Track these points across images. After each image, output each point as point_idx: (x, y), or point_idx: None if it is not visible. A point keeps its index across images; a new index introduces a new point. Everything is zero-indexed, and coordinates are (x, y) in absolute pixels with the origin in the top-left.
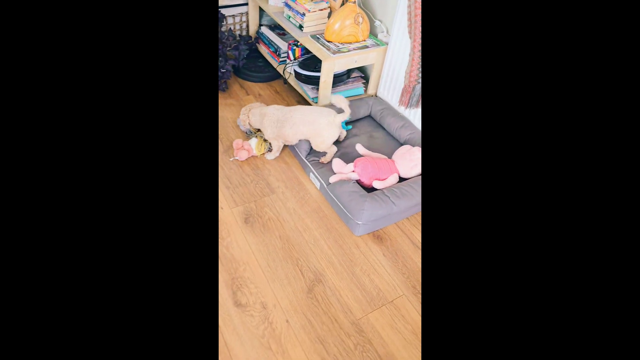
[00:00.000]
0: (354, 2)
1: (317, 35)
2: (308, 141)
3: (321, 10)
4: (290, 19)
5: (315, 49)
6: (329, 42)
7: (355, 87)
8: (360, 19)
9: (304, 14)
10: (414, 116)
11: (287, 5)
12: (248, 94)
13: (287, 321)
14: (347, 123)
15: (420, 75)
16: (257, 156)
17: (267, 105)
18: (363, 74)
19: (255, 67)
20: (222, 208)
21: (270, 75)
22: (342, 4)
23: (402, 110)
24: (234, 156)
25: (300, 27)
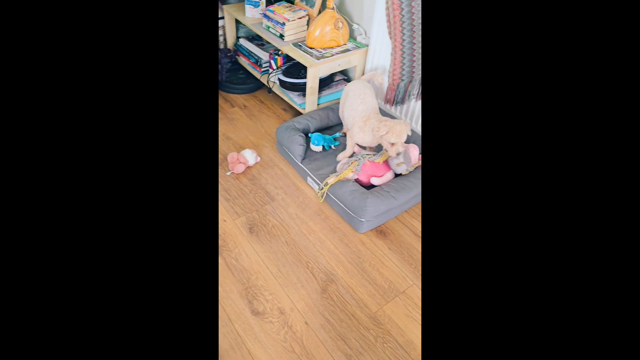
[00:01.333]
0: (333, 9)
1: (299, 43)
2: (302, 146)
3: (300, 18)
4: (270, 29)
5: (299, 56)
6: (311, 48)
7: (339, 90)
8: (340, 24)
9: (284, 24)
10: (400, 113)
11: (265, 16)
12: (233, 107)
13: (306, 323)
14: (335, 139)
15: (402, 73)
16: (252, 167)
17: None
18: (346, 76)
19: (237, 79)
20: (224, 220)
21: (253, 86)
22: (320, 12)
23: (387, 108)
24: (230, 170)
25: (281, 36)
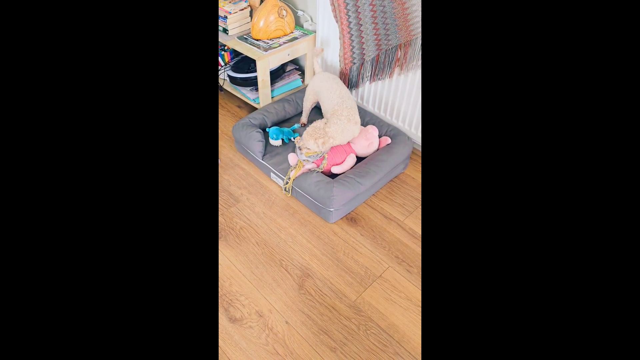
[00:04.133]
0: None
1: (244, 36)
2: (261, 142)
3: (242, 10)
4: None
5: (246, 49)
6: (257, 40)
7: (292, 80)
8: (284, 12)
9: (225, 17)
10: (355, 96)
11: None
12: None
13: (286, 322)
14: (294, 130)
15: (353, 56)
16: None
17: None
18: (297, 65)
19: None
20: None
21: None
22: (262, 1)
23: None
24: None
25: (225, 30)
